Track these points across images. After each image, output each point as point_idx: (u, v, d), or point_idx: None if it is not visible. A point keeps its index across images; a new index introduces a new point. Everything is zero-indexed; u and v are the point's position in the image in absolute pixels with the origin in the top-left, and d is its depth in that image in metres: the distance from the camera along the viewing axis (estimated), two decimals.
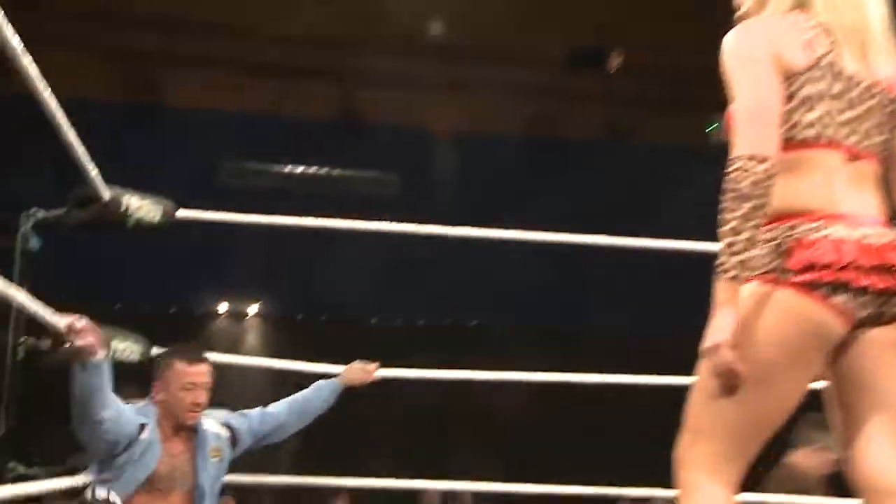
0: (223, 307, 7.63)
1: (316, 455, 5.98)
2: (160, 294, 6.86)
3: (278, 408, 3.10)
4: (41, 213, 3.08)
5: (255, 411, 3.08)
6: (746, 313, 1.65)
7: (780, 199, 1.66)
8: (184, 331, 4.72)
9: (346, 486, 4.49)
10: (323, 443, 6.09)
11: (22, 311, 2.98)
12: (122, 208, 2.97)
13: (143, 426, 2.76)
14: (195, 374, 2.86)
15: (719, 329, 1.63)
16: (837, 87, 1.70)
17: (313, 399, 3.14)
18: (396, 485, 3.52)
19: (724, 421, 1.67)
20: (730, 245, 1.62)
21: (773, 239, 1.67)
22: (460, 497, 5.58)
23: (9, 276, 2.72)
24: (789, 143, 1.69)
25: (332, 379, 3.18)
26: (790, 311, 1.64)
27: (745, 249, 1.61)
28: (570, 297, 6.81)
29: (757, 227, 1.63)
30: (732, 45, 1.72)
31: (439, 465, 6.14)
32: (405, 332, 7.14)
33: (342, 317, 7.19)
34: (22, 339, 3.03)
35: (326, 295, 7.04)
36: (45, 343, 3.02)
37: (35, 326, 3.02)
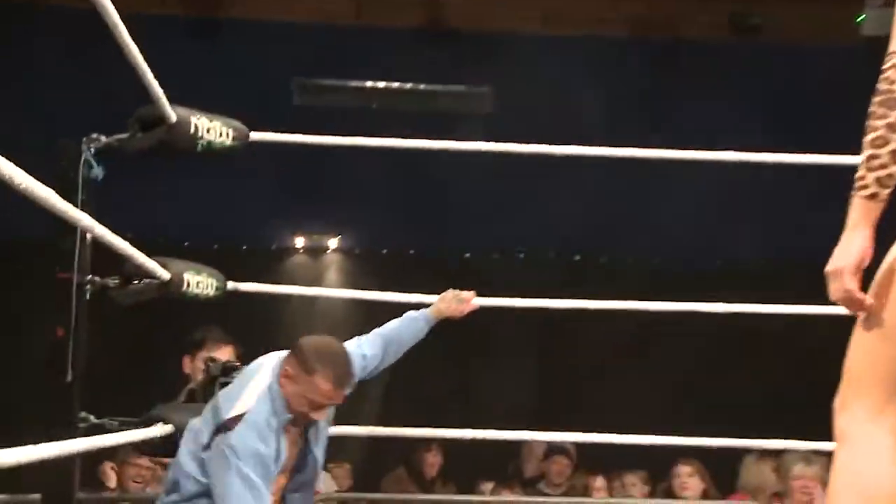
0: (300, 242, 7.68)
1: (406, 404, 6.07)
2: (230, 229, 6.92)
3: (375, 348, 3.10)
4: (103, 139, 3.10)
5: (355, 355, 3.04)
6: None
7: None
8: (258, 269, 4.78)
9: (441, 437, 4.53)
10: (415, 391, 6.18)
11: (85, 249, 3.04)
12: (191, 130, 3.00)
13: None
14: (337, 397, 2.79)
15: (846, 252, 1.61)
16: None
17: (406, 332, 3.14)
18: (496, 436, 3.53)
19: (878, 363, 1.65)
20: (870, 158, 1.59)
21: None
22: (567, 449, 5.60)
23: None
24: None
25: (424, 310, 3.19)
26: None
27: (888, 164, 1.58)
28: (696, 225, 6.67)
29: None
30: None
31: (542, 415, 6.18)
32: (504, 266, 7.09)
33: (433, 250, 7.17)
34: (88, 279, 3.07)
35: (414, 225, 7.02)
36: (114, 281, 3.08)
37: (99, 265, 3.10)
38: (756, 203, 6.56)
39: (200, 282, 3.12)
